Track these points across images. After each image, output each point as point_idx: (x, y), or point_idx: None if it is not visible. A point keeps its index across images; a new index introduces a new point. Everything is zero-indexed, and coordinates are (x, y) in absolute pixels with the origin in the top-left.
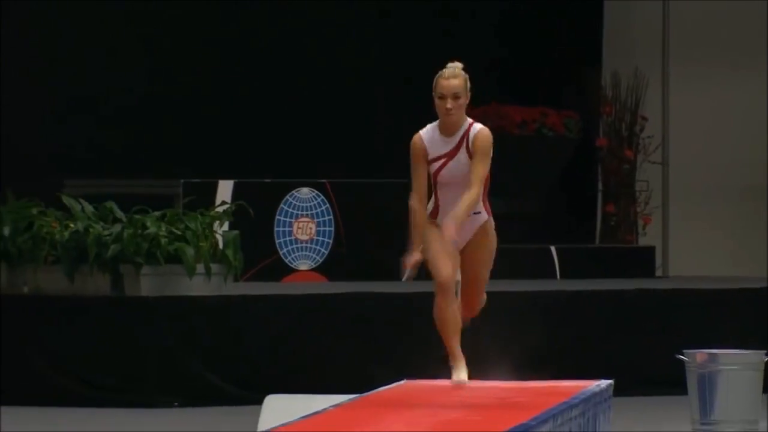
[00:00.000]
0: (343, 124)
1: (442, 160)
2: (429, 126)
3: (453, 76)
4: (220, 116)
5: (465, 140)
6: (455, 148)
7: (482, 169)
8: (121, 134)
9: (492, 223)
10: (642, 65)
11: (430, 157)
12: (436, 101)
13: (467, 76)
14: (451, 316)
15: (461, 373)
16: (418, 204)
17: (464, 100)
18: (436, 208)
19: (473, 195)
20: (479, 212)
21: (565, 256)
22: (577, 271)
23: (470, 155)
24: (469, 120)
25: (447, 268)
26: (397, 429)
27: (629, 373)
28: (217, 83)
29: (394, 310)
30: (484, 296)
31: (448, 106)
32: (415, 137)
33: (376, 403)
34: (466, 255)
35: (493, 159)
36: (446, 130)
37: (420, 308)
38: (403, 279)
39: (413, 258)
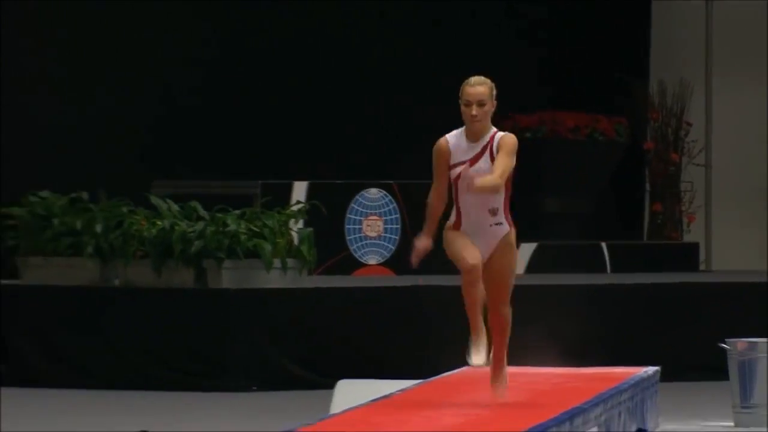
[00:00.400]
0: (409, 126)
1: (464, 165)
2: (455, 131)
3: (479, 83)
4: (295, 121)
5: (489, 147)
6: (479, 154)
7: (506, 162)
8: (204, 138)
9: (513, 234)
10: (687, 74)
11: (454, 161)
12: (462, 108)
13: (492, 84)
14: (480, 294)
15: (480, 357)
16: (436, 200)
17: (489, 107)
18: (458, 220)
19: (496, 178)
20: (501, 223)
21: (615, 252)
22: (625, 265)
23: (493, 160)
24: (494, 128)
25: (473, 255)
26: (461, 411)
27: (675, 360)
28: (294, 90)
29: (456, 301)
30: (509, 311)
31: (474, 113)
32: (441, 140)
33: (441, 387)
34: (488, 266)
35: (547, 161)
36: (472, 136)
37: None
38: (412, 260)
39: (423, 243)
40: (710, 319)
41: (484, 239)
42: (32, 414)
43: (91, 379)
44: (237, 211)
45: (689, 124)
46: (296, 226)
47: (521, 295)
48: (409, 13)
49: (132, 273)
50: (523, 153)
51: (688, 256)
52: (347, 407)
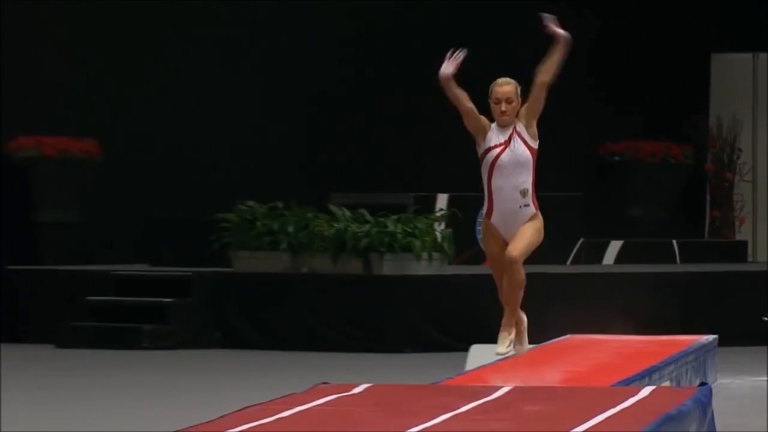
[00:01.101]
0: None
1: (500, 148)
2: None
3: (506, 83)
4: (439, 145)
5: (516, 131)
6: (509, 138)
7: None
8: (368, 158)
9: (540, 217)
10: (738, 112)
11: (490, 144)
12: (492, 106)
13: (517, 83)
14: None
15: (503, 347)
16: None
17: (516, 104)
18: (490, 207)
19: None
20: (528, 205)
21: (683, 247)
22: (691, 258)
23: (523, 141)
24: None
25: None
26: (565, 368)
27: (729, 330)
28: (437, 119)
29: (563, 283)
30: (521, 268)
31: (503, 108)
32: (487, 120)
33: (548, 351)
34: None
35: (631, 179)
36: (501, 126)
37: (576, 283)
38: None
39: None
40: (756, 298)
41: (513, 222)
42: (242, 370)
43: (284, 344)
44: (395, 216)
45: (740, 150)
46: (439, 228)
47: (612, 280)
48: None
49: (315, 263)
50: (612, 172)
51: (739, 251)
52: (478, 365)
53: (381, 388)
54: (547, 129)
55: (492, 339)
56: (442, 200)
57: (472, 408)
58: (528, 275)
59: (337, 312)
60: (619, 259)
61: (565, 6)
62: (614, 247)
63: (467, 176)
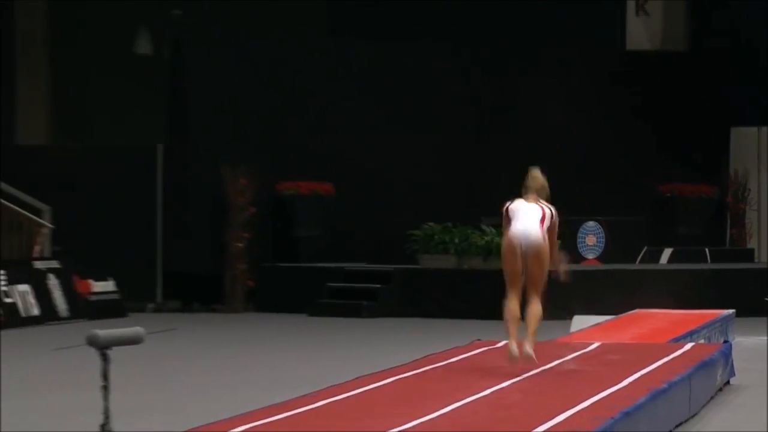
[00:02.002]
0: (617, 176)
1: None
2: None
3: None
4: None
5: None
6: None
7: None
8: (506, 191)
9: (548, 245)
10: (748, 165)
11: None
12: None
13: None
14: (512, 317)
15: (512, 350)
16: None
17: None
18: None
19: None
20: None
21: (713, 254)
22: (717, 259)
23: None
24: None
25: (512, 308)
26: (632, 332)
27: (742, 307)
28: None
29: (634, 276)
30: (539, 305)
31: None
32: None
33: (624, 320)
34: (529, 272)
35: (676, 210)
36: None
37: (642, 275)
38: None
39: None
40: (760, 286)
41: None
42: (424, 331)
43: (452, 314)
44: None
45: (749, 190)
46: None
47: (665, 274)
48: None
49: (472, 262)
50: (666, 204)
51: (748, 255)
52: (579, 329)
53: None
54: (626, 176)
55: (588, 311)
56: (595, 230)
57: (575, 356)
58: (612, 270)
59: (485, 295)
60: (670, 260)
61: (622, 81)
62: (667, 252)
63: (571, 202)
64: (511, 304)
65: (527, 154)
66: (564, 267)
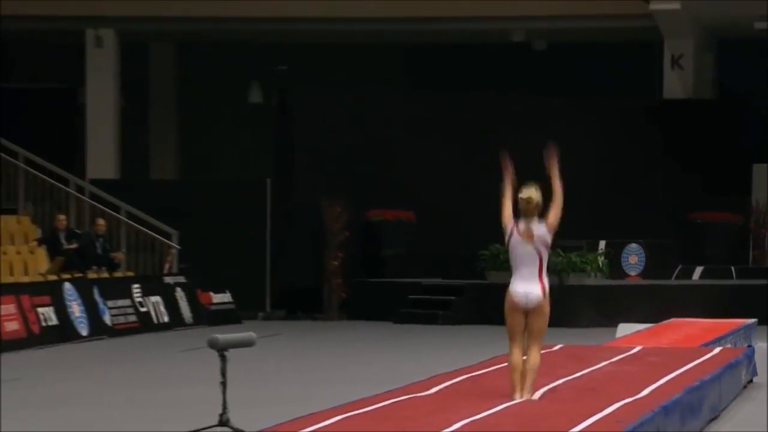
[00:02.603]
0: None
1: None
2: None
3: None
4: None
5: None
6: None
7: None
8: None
9: (547, 302)
10: None
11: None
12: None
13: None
14: (515, 365)
15: (516, 396)
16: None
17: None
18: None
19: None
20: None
21: (738, 271)
22: (742, 276)
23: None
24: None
25: (514, 358)
26: (667, 337)
27: (763, 316)
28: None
29: (670, 290)
30: (539, 355)
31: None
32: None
33: (662, 327)
34: (529, 325)
35: (707, 235)
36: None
37: (677, 290)
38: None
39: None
40: None
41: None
42: (491, 336)
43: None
44: (576, 252)
45: None
46: (601, 258)
47: (697, 288)
48: None
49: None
50: (697, 229)
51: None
52: (623, 335)
53: (571, 347)
54: (663, 205)
55: (625, 321)
56: (602, 244)
57: (620, 358)
58: (651, 285)
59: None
60: (701, 276)
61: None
62: (698, 270)
63: (616, 227)
64: (514, 357)
65: (577, 186)
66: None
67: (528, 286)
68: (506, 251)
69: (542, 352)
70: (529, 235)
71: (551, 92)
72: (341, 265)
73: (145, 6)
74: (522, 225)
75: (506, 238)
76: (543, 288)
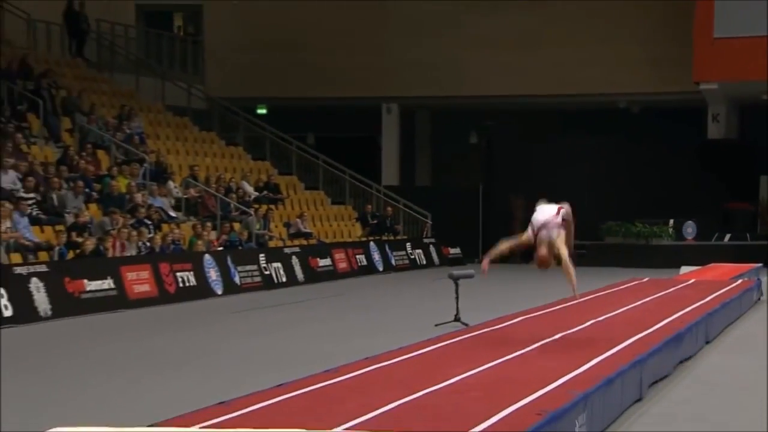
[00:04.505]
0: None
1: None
2: None
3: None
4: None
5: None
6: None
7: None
8: (639, 197)
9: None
10: None
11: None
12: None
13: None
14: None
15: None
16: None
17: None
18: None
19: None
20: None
21: (750, 237)
22: (753, 240)
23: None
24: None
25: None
26: (712, 274)
27: (766, 261)
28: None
29: (713, 249)
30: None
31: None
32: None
33: (707, 269)
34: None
35: (731, 214)
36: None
37: (721, 247)
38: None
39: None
40: None
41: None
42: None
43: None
44: (646, 226)
45: None
46: (671, 229)
47: (727, 247)
48: None
49: (631, 240)
50: (727, 214)
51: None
52: (684, 273)
53: (654, 280)
54: (709, 199)
55: (685, 265)
56: (671, 222)
57: (683, 286)
58: (697, 245)
59: (642, 256)
60: (729, 240)
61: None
62: (728, 236)
63: (679, 210)
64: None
65: (659, 188)
66: (570, 251)
67: (549, 231)
68: (616, 225)
69: (635, 283)
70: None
71: (643, 136)
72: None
73: (412, 91)
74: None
75: (531, 220)
76: (558, 227)
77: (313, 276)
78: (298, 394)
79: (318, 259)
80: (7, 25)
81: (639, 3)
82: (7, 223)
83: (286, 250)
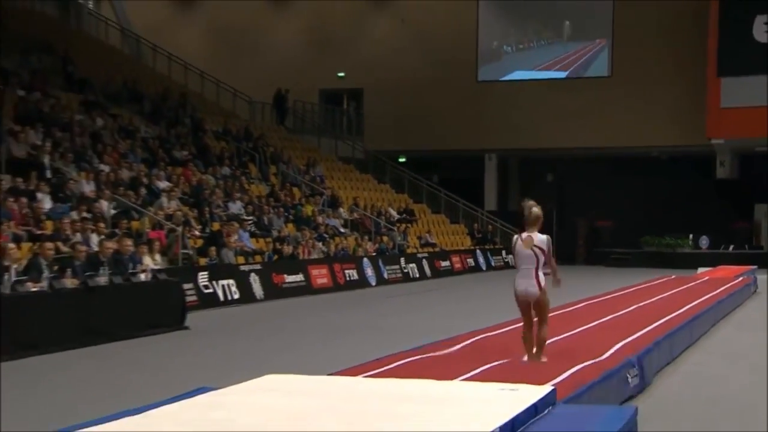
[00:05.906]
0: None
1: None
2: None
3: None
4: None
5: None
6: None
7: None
8: (669, 214)
9: (543, 291)
10: (760, 218)
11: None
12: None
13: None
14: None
15: (525, 357)
16: None
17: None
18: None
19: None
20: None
21: (749, 248)
22: (750, 249)
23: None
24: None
25: (526, 332)
26: (720, 275)
27: (762, 266)
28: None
29: (720, 255)
30: (546, 330)
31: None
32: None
33: (717, 270)
34: (535, 305)
35: (735, 231)
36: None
37: (726, 255)
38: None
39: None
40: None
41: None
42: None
43: (655, 266)
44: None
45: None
46: (689, 241)
47: (731, 255)
48: None
49: (661, 249)
50: (732, 231)
51: (760, 248)
52: (700, 272)
53: (677, 278)
54: (719, 220)
55: (701, 266)
56: (690, 236)
57: (700, 281)
58: (711, 252)
59: (671, 261)
60: (733, 249)
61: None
62: (731, 246)
63: (697, 229)
64: (524, 333)
65: (678, 213)
66: (557, 276)
67: (526, 283)
68: (651, 238)
69: (665, 279)
70: (529, 243)
71: (669, 176)
72: (584, 243)
73: (506, 144)
74: (524, 234)
75: (512, 247)
76: (538, 283)
77: (437, 273)
78: (428, 357)
79: (440, 261)
80: (237, 105)
81: (666, 80)
82: (235, 236)
83: (419, 255)
